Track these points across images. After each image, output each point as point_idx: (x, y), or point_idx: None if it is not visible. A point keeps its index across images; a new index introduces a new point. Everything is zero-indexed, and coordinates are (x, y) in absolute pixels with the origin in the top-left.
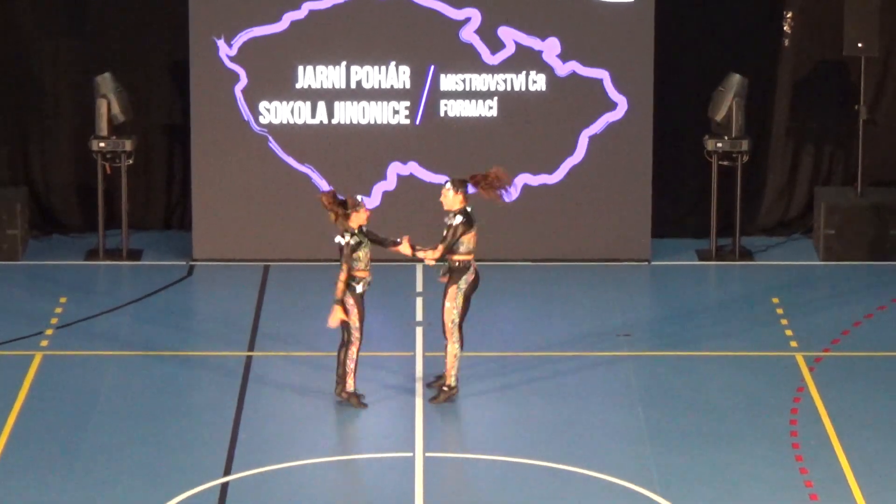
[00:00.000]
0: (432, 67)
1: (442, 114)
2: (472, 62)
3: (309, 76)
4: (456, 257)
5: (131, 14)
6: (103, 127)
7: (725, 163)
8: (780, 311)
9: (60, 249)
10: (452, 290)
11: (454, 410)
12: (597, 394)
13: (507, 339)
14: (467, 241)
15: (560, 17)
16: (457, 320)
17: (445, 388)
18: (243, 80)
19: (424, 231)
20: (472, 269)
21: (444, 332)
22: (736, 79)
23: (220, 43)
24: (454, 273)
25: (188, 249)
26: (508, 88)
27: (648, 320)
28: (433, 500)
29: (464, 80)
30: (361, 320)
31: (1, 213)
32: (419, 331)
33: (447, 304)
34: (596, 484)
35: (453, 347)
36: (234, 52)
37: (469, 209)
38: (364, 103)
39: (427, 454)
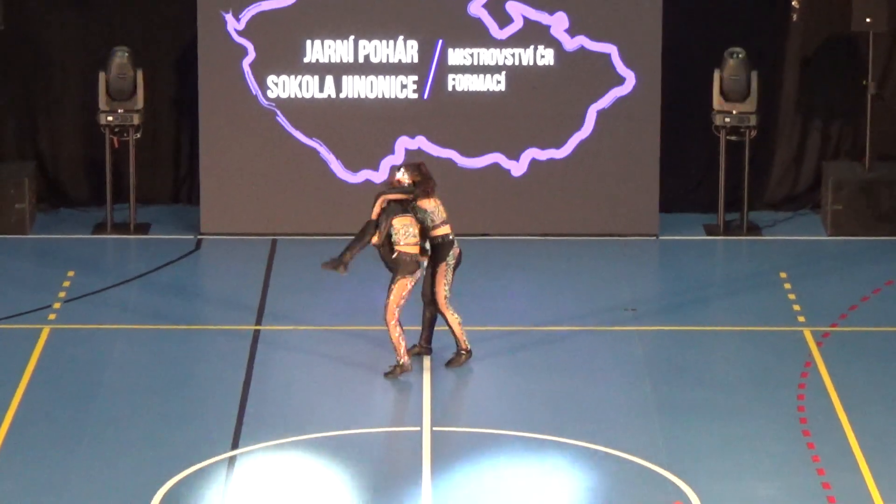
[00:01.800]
0: (440, 42)
1: (450, 88)
2: (480, 36)
3: (317, 50)
4: (436, 233)
5: None
6: (142, 98)
7: (733, 137)
8: (787, 285)
9: (68, 223)
10: (442, 267)
11: (462, 385)
12: (605, 368)
13: (514, 314)
14: (433, 212)
15: None
16: (448, 295)
17: (463, 353)
18: (251, 55)
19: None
20: (455, 244)
21: (436, 307)
22: (727, 55)
23: (228, 17)
24: (441, 249)
25: (196, 223)
26: (516, 63)
27: (656, 295)
28: (441, 474)
29: (472, 55)
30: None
31: (9, 187)
32: None
33: (440, 281)
34: (603, 458)
35: (453, 317)
36: (242, 26)
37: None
38: (372, 77)
39: (434, 428)
